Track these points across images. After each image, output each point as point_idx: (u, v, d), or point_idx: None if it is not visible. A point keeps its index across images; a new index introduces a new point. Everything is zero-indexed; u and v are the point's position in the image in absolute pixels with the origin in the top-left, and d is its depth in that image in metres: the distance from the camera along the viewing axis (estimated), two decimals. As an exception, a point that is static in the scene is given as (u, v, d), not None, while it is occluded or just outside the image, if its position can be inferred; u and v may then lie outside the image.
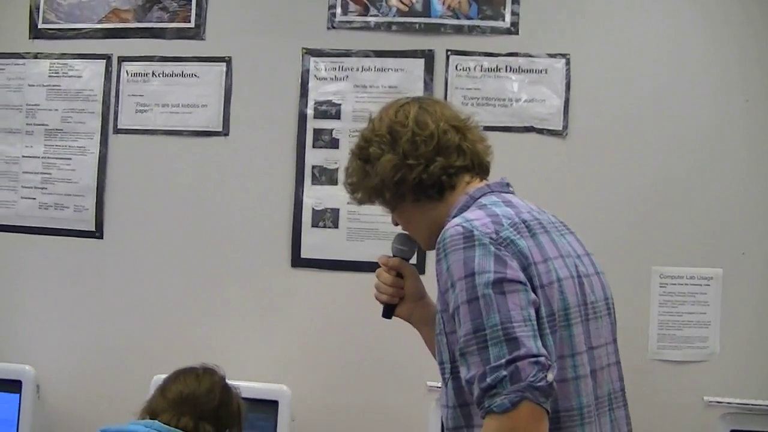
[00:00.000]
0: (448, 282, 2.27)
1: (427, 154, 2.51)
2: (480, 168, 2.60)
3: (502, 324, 2.15)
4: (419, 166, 2.50)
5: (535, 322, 2.19)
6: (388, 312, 2.83)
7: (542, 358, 2.12)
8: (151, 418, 2.88)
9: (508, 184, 2.59)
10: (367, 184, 2.58)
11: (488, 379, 2.12)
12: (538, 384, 2.09)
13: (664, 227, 3.95)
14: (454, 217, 2.41)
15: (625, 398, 2.51)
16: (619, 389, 2.48)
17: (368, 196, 2.62)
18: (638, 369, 3.73)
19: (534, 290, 2.25)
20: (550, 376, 2.12)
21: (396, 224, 2.72)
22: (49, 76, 4.49)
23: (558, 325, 2.27)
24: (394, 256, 2.80)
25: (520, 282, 2.22)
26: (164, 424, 2.82)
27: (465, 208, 2.45)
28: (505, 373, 2.10)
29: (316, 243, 4.16)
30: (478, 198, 2.47)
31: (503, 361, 2.11)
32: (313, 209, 4.17)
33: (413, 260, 2.82)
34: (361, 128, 2.67)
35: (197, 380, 3.00)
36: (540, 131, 4.02)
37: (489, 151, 2.65)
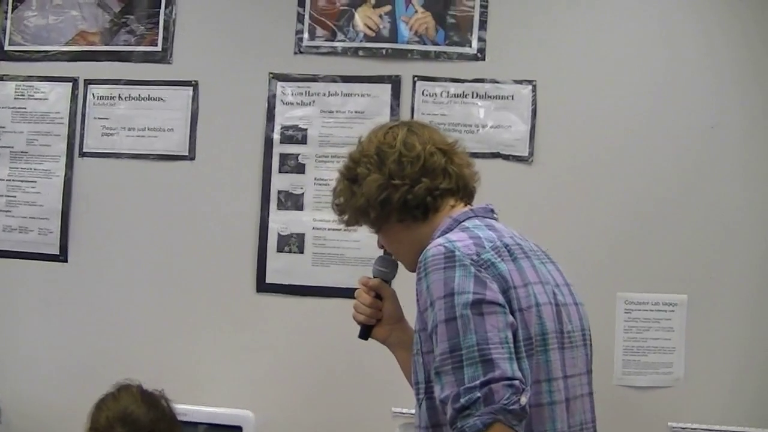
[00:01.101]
0: (427, 301, 2.28)
1: (412, 175, 2.53)
2: (465, 192, 2.62)
3: (479, 345, 2.15)
4: (404, 186, 2.52)
5: (511, 345, 2.20)
6: (365, 333, 2.84)
7: (516, 382, 2.13)
8: None
9: (492, 210, 2.60)
10: (354, 204, 2.60)
11: (462, 400, 2.12)
12: (512, 407, 2.09)
13: (629, 253, 3.95)
14: (437, 238, 2.41)
15: (596, 429, 2.52)
16: (590, 420, 2.49)
17: (355, 217, 2.64)
18: (603, 395, 3.67)
19: (512, 313, 2.25)
20: (524, 400, 2.12)
21: (381, 246, 2.74)
22: (15, 98, 4.46)
23: (535, 349, 2.28)
24: (375, 277, 2.81)
25: (499, 304, 2.23)
26: None
27: (448, 230, 2.46)
28: (479, 394, 2.11)
29: (281, 268, 4.14)
30: (462, 221, 2.49)
31: (477, 382, 2.12)
32: (278, 234, 4.15)
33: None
34: (350, 150, 2.68)
35: (116, 401, 2.99)
36: (506, 157, 4.02)
37: (476, 176, 2.68)
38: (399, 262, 2.76)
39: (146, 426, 2.94)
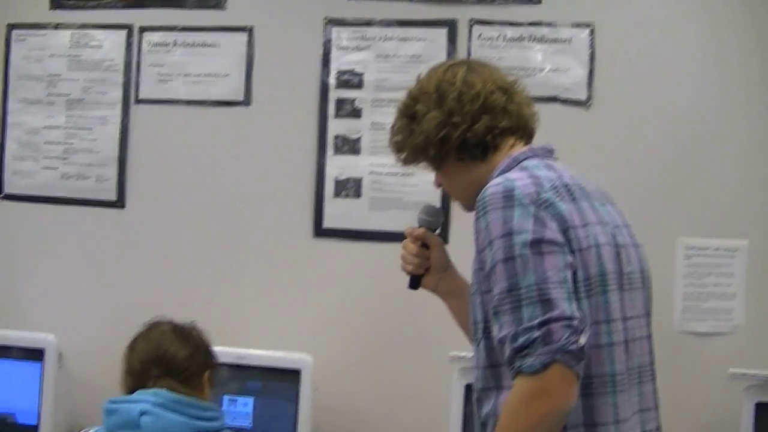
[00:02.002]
0: (485, 240, 2.27)
1: (472, 112, 2.50)
2: (525, 132, 2.60)
3: (537, 284, 2.14)
4: (464, 124, 2.50)
5: (570, 285, 2.18)
6: (415, 283, 2.84)
7: (575, 322, 2.11)
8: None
9: (551, 151, 2.58)
10: (412, 141, 2.58)
11: (520, 340, 2.12)
12: (570, 347, 2.08)
13: (689, 198, 3.92)
14: (496, 177, 2.39)
15: (654, 373, 2.50)
16: (648, 363, 2.47)
17: (413, 155, 2.62)
18: (663, 341, 3.66)
19: (571, 253, 2.23)
20: (583, 340, 2.11)
21: (438, 186, 2.72)
22: (70, 47, 4.48)
23: (594, 290, 2.26)
24: (420, 226, 2.81)
25: (558, 243, 2.21)
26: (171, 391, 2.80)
27: (507, 169, 2.44)
28: (537, 334, 2.10)
29: (338, 213, 4.15)
30: (522, 161, 2.46)
31: (536, 322, 2.11)
32: (335, 179, 4.16)
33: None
34: (410, 88, 2.66)
35: (148, 341, 2.97)
36: (564, 101, 4.00)
37: (535, 117, 2.65)
38: (442, 211, 2.78)
39: (182, 363, 2.90)
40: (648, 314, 2.51)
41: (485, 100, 2.51)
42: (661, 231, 3.85)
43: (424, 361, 3.92)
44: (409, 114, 2.61)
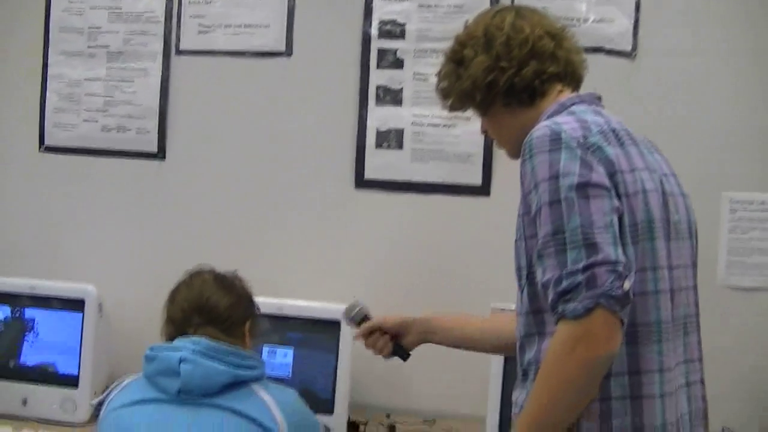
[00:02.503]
0: (531, 183, 2.24)
1: (520, 57, 2.49)
2: (573, 78, 2.59)
3: (583, 228, 2.12)
4: (511, 69, 2.49)
5: (616, 229, 2.15)
6: (402, 355, 3.08)
7: (620, 266, 2.09)
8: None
9: (599, 98, 2.56)
10: (459, 87, 2.57)
11: (564, 284, 2.10)
12: (614, 292, 2.06)
13: (735, 151, 3.87)
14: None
15: (699, 324, 2.48)
16: (693, 314, 2.45)
17: (460, 101, 2.62)
18: (707, 295, 3.63)
19: (618, 198, 2.21)
20: (627, 285, 2.08)
21: (484, 132, 2.71)
22: (111, -1, 4.47)
23: (640, 236, 2.23)
24: (357, 323, 3.11)
25: (605, 187, 2.18)
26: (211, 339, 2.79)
27: (554, 115, 2.41)
28: (581, 278, 2.08)
29: (380, 164, 4.12)
30: (569, 106, 2.44)
31: (580, 266, 2.09)
32: (377, 130, 4.13)
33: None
34: (457, 33, 2.65)
35: (190, 289, 2.96)
36: (608, 52, 3.95)
37: (584, 64, 2.64)
38: (356, 303, 3.11)
39: (224, 312, 2.90)
40: (694, 265, 2.49)
41: (533, 45, 2.50)
42: (705, 185, 3.80)
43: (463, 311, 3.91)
44: (456, 59, 2.60)
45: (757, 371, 3.80)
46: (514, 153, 2.54)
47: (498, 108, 2.55)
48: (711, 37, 3.90)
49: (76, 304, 3.87)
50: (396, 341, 3.04)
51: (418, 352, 3.91)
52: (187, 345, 2.74)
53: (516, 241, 2.38)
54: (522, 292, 2.36)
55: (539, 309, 2.30)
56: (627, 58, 3.94)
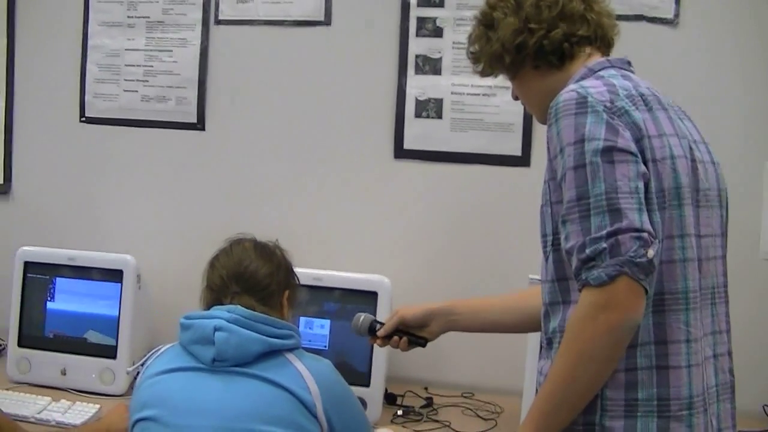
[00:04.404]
0: (557, 147, 2.23)
1: (549, 19, 2.47)
2: (603, 42, 2.55)
3: (607, 193, 2.10)
4: (541, 30, 2.47)
5: (642, 196, 2.12)
6: (419, 345, 3.07)
7: (645, 234, 2.07)
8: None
9: (629, 63, 2.52)
10: (488, 49, 2.56)
11: (587, 251, 2.08)
12: (639, 260, 2.04)
13: (779, 118, 3.81)
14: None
15: (727, 294, 2.43)
16: (722, 284, 2.41)
17: (489, 64, 2.61)
18: (749, 268, 3.64)
19: (644, 163, 2.18)
20: (651, 253, 2.06)
21: (515, 98, 2.69)
22: (150, -31, 4.46)
23: (668, 203, 2.20)
24: (369, 332, 3.10)
25: (631, 153, 2.15)
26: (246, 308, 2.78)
27: (582, 79, 2.39)
28: (605, 245, 2.06)
29: (419, 134, 4.09)
30: (598, 71, 2.41)
31: (604, 232, 2.07)
32: (416, 99, 4.09)
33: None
34: None
35: (229, 257, 2.95)
36: (651, 20, 3.88)
37: (615, 28, 2.60)
38: (360, 313, 3.08)
39: (262, 281, 2.88)
40: (724, 234, 2.46)
41: (563, 7, 2.48)
42: (749, 154, 3.77)
43: (503, 285, 3.84)
44: (486, 22, 2.59)
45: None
46: (543, 117, 2.52)
47: (527, 71, 2.54)
48: (752, 4, 3.82)
49: (114, 275, 3.89)
50: (411, 335, 3.04)
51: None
52: (222, 313, 2.73)
53: (542, 206, 2.37)
54: (547, 259, 2.35)
55: (564, 276, 2.28)
56: (669, 26, 3.87)
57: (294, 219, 4.19)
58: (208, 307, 2.86)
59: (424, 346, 3.05)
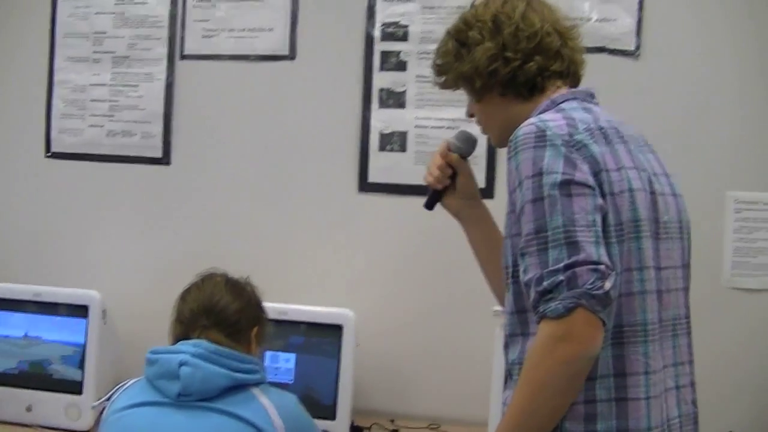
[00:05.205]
0: (516, 181, 2.24)
1: (526, 50, 2.47)
2: (573, 78, 2.57)
3: (565, 226, 2.11)
4: (516, 61, 2.46)
5: (599, 229, 2.14)
6: (432, 200, 2.91)
7: (602, 266, 2.08)
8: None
9: (592, 95, 2.53)
10: (459, 68, 2.55)
11: (545, 283, 2.09)
12: (595, 292, 2.05)
13: (740, 150, 3.83)
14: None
15: (690, 326, 2.45)
16: (684, 316, 2.42)
17: (455, 81, 2.60)
18: (712, 296, 3.66)
19: (603, 197, 2.19)
20: (608, 285, 2.07)
21: (470, 116, 2.69)
22: (116, 4, 4.48)
23: (626, 236, 2.22)
24: (451, 151, 2.83)
25: (588, 186, 2.17)
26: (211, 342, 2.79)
27: (545, 111, 2.40)
28: (562, 277, 2.07)
29: (383, 167, 4.11)
30: (560, 103, 2.42)
31: (561, 265, 2.08)
32: (380, 133, 4.12)
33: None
34: (463, 11, 2.63)
35: (201, 291, 2.96)
36: (612, 51, 3.92)
37: (584, 64, 2.62)
38: (476, 139, 2.84)
39: (231, 316, 2.90)
40: (686, 266, 2.46)
41: (541, 40, 2.48)
42: (710, 184, 3.80)
43: (467, 317, 3.90)
44: (460, 39, 2.57)
45: (762, 373, 3.77)
46: (499, 142, 2.58)
47: (493, 96, 2.53)
48: (715, 35, 3.86)
49: (80, 310, 3.89)
50: (438, 192, 2.89)
51: (420, 358, 3.93)
52: (188, 348, 2.74)
53: (504, 239, 2.38)
54: (508, 291, 2.35)
55: (523, 308, 2.29)
56: (630, 58, 3.91)
57: (259, 252, 4.19)
58: (176, 340, 2.87)
59: (429, 206, 2.93)
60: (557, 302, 2.06)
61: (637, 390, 2.21)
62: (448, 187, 2.87)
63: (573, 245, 2.09)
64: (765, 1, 3.84)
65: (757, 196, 3.82)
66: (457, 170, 2.83)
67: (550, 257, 2.10)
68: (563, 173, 2.16)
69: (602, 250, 2.11)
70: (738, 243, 3.84)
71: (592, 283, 2.05)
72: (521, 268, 2.19)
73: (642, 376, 2.22)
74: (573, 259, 2.07)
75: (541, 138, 2.21)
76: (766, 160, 3.83)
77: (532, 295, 2.13)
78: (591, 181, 2.18)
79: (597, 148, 2.24)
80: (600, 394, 2.19)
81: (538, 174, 2.17)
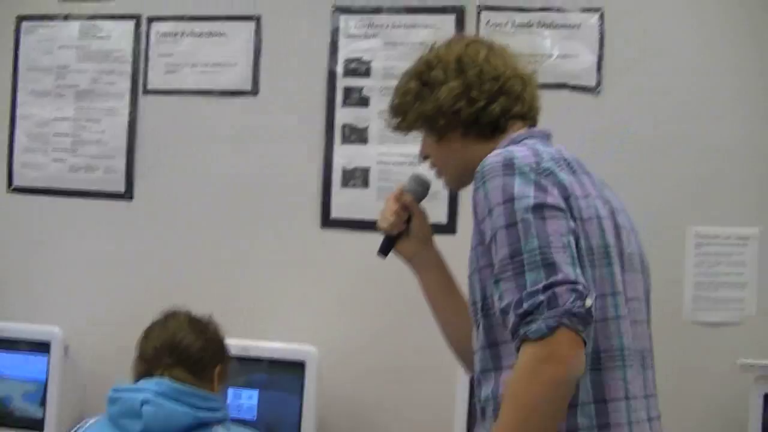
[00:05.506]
0: (485, 209, 2.22)
1: (491, 91, 2.47)
2: (533, 122, 2.57)
3: (541, 249, 2.09)
4: (480, 102, 2.46)
5: (574, 250, 2.13)
6: (386, 246, 2.83)
7: (580, 285, 2.06)
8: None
9: (549, 135, 2.54)
10: (421, 108, 2.53)
11: (525, 305, 2.06)
12: (577, 310, 2.02)
13: (700, 185, 3.86)
14: None
15: (653, 360, 2.43)
16: (649, 349, 2.41)
17: (416, 122, 2.58)
18: (673, 330, 3.67)
19: (573, 221, 2.19)
20: (589, 302, 2.05)
21: (424, 157, 2.68)
22: (79, 38, 4.48)
23: (597, 261, 2.22)
24: (418, 195, 2.80)
25: (561, 209, 2.17)
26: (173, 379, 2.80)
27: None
28: (542, 298, 2.04)
29: (346, 203, 4.12)
30: (520, 141, 2.42)
31: (540, 286, 2.05)
32: (343, 168, 4.13)
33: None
34: (423, 52, 2.63)
35: (164, 329, 2.97)
36: (573, 88, 3.95)
37: (540, 111, 2.62)
38: (430, 182, 2.79)
39: (195, 354, 2.91)
40: (647, 300, 2.46)
41: (504, 83, 2.49)
42: (671, 219, 3.82)
43: (430, 354, 3.87)
44: (422, 78, 2.55)
45: (724, 409, 3.78)
46: (455, 184, 2.61)
47: (454, 136, 2.52)
48: (673, 72, 3.91)
49: (41, 346, 3.88)
50: (392, 238, 2.83)
51: (384, 394, 3.92)
52: (150, 386, 2.75)
53: (470, 275, 2.36)
54: (478, 327, 2.33)
55: (495, 342, 2.27)
56: (591, 94, 3.94)
57: (221, 288, 4.16)
58: (139, 378, 2.88)
59: (383, 253, 2.87)
60: (539, 322, 2.03)
61: (618, 415, 2.20)
62: (402, 232, 2.82)
63: (550, 266, 2.07)
64: (724, 34, 3.91)
65: (717, 231, 3.85)
66: (412, 213, 2.79)
67: (528, 280, 2.08)
68: (535, 197, 2.15)
69: (579, 271, 2.10)
70: (699, 277, 3.86)
71: (572, 302, 2.03)
72: (495, 296, 2.16)
73: (623, 402, 2.21)
74: (551, 279, 2.05)
75: (509, 166, 2.21)
76: (726, 194, 3.87)
77: (511, 319, 2.09)
78: (563, 204, 2.18)
79: (564, 176, 2.24)
80: (582, 421, 2.17)
81: (509, 200, 2.17)
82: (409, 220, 2.80)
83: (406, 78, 2.62)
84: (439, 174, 2.68)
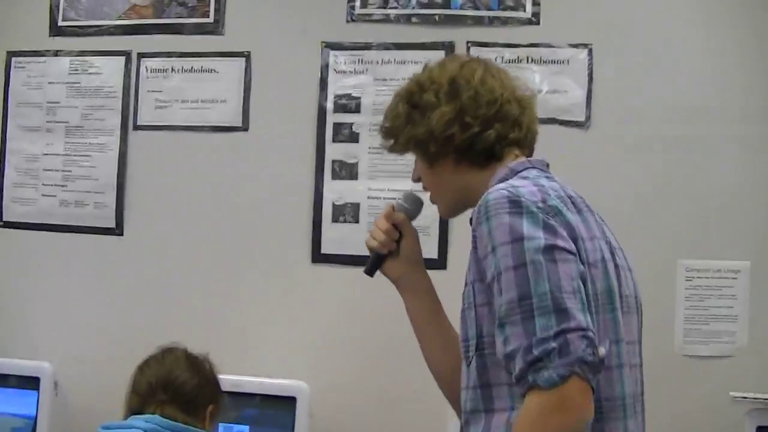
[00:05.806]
0: (488, 246, 2.12)
1: (486, 117, 2.36)
2: (530, 148, 2.49)
3: (552, 293, 2.01)
4: (475, 127, 2.36)
5: (584, 295, 2.06)
6: (374, 264, 2.72)
7: (591, 333, 1.99)
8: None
9: (547, 165, 2.46)
10: (411, 132, 2.43)
11: (535, 352, 1.98)
12: (589, 358, 1.97)
13: (690, 219, 3.88)
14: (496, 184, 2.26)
15: (643, 404, 2.36)
16: (641, 393, 2.35)
17: (406, 146, 2.48)
18: (664, 363, 3.67)
19: (582, 265, 2.13)
20: (602, 351, 2.01)
21: (416, 181, 2.56)
22: (69, 74, 4.48)
23: (602, 307, 2.16)
24: (409, 214, 2.68)
25: (571, 252, 2.09)
26: (164, 417, 2.79)
27: (505, 179, 2.30)
28: (554, 344, 1.96)
29: (336, 238, 4.12)
30: (520, 171, 2.33)
31: (551, 332, 1.98)
32: (333, 204, 4.13)
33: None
34: (415, 73, 2.53)
35: (160, 365, 2.96)
36: (562, 123, 3.97)
37: (537, 135, 2.52)
38: (422, 201, 2.66)
39: (189, 392, 2.91)
40: (640, 342, 2.38)
41: (501, 107, 2.38)
42: (661, 253, 3.83)
43: (421, 390, 3.87)
44: (413, 101, 2.45)
45: (715, 441, 3.79)
46: (448, 212, 2.52)
47: (447, 163, 2.42)
48: (663, 107, 3.93)
49: (31, 382, 3.87)
50: (380, 257, 2.71)
51: (375, 428, 3.91)
52: (140, 423, 2.75)
53: (463, 310, 2.26)
54: (469, 365, 2.24)
55: (488, 383, 2.19)
56: (580, 129, 3.96)
57: (212, 324, 4.15)
58: (131, 412, 2.87)
59: (370, 271, 2.76)
60: (551, 370, 1.96)
61: None
62: (391, 251, 2.69)
63: (562, 312, 1.99)
64: (713, 70, 3.93)
65: (708, 264, 3.86)
66: (402, 233, 2.66)
67: (538, 325, 2.00)
68: (545, 238, 2.07)
69: (589, 317, 2.03)
70: (690, 310, 3.87)
71: (583, 350, 1.96)
72: (500, 339, 2.07)
73: None
74: (563, 326, 1.98)
75: (516, 204, 2.11)
76: (716, 228, 3.88)
77: (519, 365, 2.01)
78: (572, 246, 2.10)
79: (571, 216, 2.17)
80: None
81: (519, 239, 2.07)
82: (399, 239, 2.68)
83: (395, 100, 2.53)
84: (432, 199, 2.57)
